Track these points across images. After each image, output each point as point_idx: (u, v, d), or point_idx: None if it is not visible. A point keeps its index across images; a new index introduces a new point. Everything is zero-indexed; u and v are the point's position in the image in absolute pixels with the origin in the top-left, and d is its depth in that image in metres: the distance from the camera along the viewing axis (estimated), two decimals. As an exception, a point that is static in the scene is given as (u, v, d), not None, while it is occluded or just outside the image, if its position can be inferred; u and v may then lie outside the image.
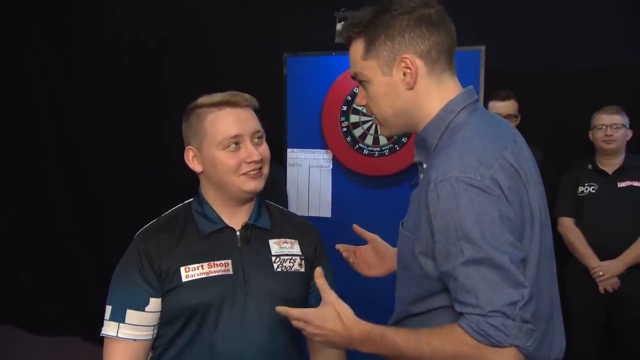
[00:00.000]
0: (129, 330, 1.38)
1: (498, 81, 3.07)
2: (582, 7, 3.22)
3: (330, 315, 1.21)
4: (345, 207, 3.14)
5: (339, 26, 2.96)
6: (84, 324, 4.12)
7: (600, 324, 2.98)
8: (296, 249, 1.50)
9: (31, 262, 4.59)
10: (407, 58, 1.20)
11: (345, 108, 3.09)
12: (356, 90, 2.93)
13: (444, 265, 1.10)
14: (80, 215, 4.44)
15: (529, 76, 3.31)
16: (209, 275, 1.40)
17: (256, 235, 1.47)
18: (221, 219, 1.46)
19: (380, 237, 1.64)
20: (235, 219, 1.47)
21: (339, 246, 1.65)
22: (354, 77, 1.31)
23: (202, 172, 1.47)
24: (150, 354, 1.45)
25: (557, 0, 3.26)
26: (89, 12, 4.25)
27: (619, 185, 2.95)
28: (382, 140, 3.04)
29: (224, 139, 1.40)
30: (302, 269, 1.49)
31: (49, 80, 4.41)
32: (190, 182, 1.60)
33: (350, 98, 3.07)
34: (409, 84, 1.22)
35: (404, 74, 1.22)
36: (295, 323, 1.26)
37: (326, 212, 3.19)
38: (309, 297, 1.52)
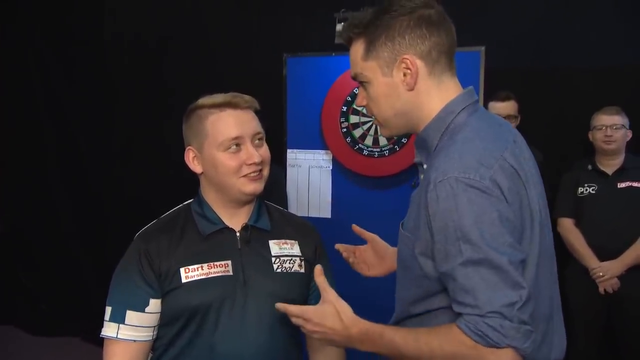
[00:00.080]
0: (128, 331, 1.38)
1: (498, 82, 3.07)
2: (582, 7, 3.22)
3: (330, 313, 1.21)
4: (345, 207, 3.14)
5: (338, 27, 2.96)
6: (83, 324, 4.12)
7: (600, 325, 2.98)
8: (296, 249, 1.50)
9: (31, 262, 4.59)
10: (408, 59, 1.21)
11: (345, 109, 3.09)
12: (356, 90, 2.93)
13: (443, 266, 1.10)
14: (80, 215, 4.44)
15: (528, 76, 3.31)
16: (209, 276, 1.40)
17: (256, 236, 1.47)
18: (221, 219, 1.46)
19: (380, 237, 1.64)
20: (235, 220, 1.47)
21: (338, 246, 1.65)
22: (354, 78, 1.31)
23: (202, 173, 1.47)
24: (150, 354, 1.45)
25: (557, 0, 3.26)
26: (89, 12, 4.25)
27: (618, 186, 2.95)
28: (382, 140, 3.04)
29: (224, 140, 1.40)
30: (302, 270, 1.49)
31: (49, 80, 4.41)
32: (190, 183, 1.60)
33: (350, 99, 3.07)
34: (409, 84, 1.22)
35: (404, 75, 1.22)
36: (294, 320, 1.26)
37: (326, 212, 3.19)
38: (308, 298, 1.52)
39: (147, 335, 1.40)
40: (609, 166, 3.00)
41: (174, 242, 1.43)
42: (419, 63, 1.21)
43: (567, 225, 3.02)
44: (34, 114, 4.45)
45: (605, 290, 2.88)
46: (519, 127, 2.95)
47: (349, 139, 3.09)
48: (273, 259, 1.46)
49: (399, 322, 1.29)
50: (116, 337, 1.38)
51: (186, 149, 1.47)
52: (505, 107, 3.06)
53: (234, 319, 1.39)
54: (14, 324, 4.44)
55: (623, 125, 2.96)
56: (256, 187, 1.43)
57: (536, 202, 1.18)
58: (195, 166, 1.47)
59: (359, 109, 3.03)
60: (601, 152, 3.02)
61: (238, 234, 1.46)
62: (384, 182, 3.08)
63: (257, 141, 1.45)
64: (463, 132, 1.18)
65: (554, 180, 3.04)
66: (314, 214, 3.20)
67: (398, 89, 1.23)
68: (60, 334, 4.28)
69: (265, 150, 1.46)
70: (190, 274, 1.39)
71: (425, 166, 1.27)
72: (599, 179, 3.00)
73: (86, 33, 4.25)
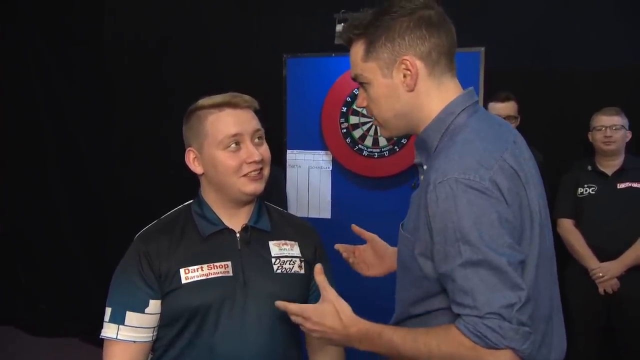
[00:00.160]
0: (128, 332, 1.38)
1: (498, 82, 3.07)
2: (582, 7, 3.23)
3: (329, 312, 1.22)
4: (345, 208, 3.14)
5: (338, 27, 2.96)
6: (83, 325, 4.12)
7: (600, 325, 2.98)
8: (296, 250, 1.50)
9: (31, 262, 4.59)
10: (407, 60, 1.21)
11: (344, 109, 3.09)
12: (356, 91, 2.93)
13: (442, 267, 1.10)
14: (80, 215, 4.44)
15: (528, 77, 3.31)
16: (209, 276, 1.40)
17: (256, 237, 1.47)
18: (221, 220, 1.46)
19: (380, 238, 1.64)
20: (235, 220, 1.47)
21: (338, 246, 1.65)
22: (354, 79, 1.31)
23: (202, 173, 1.47)
24: (150, 355, 1.45)
25: (557, 0, 3.27)
26: (89, 12, 4.26)
27: (618, 187, 2.95)
28: (382, 141, 3.05)
29: (224, 138, 1.40)
30: (302, 271, 1.49)
31: (49, 80, 4.41)
32: (190, 183, 1.60)
33: (349, 99, 3.07)
34: (409, 85, 1.22)
35: (404, 76, 1.22)
36: (294, 318, 1.27)
37: (326, 213, 3.20)
38: (308, 299, 1.51)
39: (146, 336, 1.40)
40: (609, 167, 3.00)
41: (173, 243, 1.43)
42: (419, 64, 1.21)
43: (567, 226, 3.02)
44: (34, 114, 4.45)
45: (605, 290, 2.88)
46: (518, 128, 2.95)
47: (348, 140, 3.09)
48: (273, 260, 1.46)
49: (398, 323, 1.29)
50: (116, 338, 1.37)
51: (186, 150, 1.47)
52: (505, 108, 3.06)
53: (233, 320, 1.39)
54: (13, 325, 4.43)
55: (623, 126, 2.96)
56: (257, 187, 1.43)
57: (536, 202, 1.18)
58: (195, 167, 1.47)
59: (359, 109, 3.03)
60: (601, 153, 3.02)
61: (238, 235, 1.46)
62: (384, 183, 3.08)
63: (257, 140, 1.45)
64: (463, 133, 1.19)
65: (553, 180, 3.04)
66: (313, 214, 3.20)
67: (398, 90, 1.23)
68: (59, 334, 4.27)
69: (265, 149, 1.46)
70: (190, 274, 1.39)
71: (425, 167, 1.27)
72: (598, 180, 3.00)
73: (86, 33, 4.26)
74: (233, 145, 1.41)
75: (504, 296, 1.03)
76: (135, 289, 1.39)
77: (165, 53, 4.06)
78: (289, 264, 1.48)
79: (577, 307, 2.90)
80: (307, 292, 1.51)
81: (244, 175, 1.41)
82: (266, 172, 1.46)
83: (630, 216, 2.88)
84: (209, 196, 1.48)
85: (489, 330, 1.03)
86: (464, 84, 1.28)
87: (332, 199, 3.19)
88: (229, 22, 3.90)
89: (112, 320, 1.38)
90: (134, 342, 1.38)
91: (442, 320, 1.17)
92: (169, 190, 2.97)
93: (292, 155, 3.25)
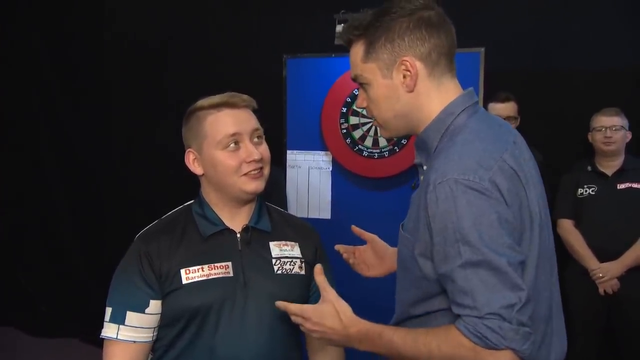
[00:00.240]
0: (128, 332, 1.38)
1: (498, 83, 3.07)
2: (582, 7, 3.23)
3: (329, 313, 1.22)
4: (345, 208, 3.14)
5: (338, 28, 2.96)
6: (83, 325, 4.12)
7: (600, 326, 2.98)
8: (296, 251, 1.51)
9: (30, 263, 4.59)
10: (407, 61, 1.21)
11: (344, 110, 3.09)
12: (356, 92, 2.93)
13: (442, 267, 1.10)
14: (80, 215, 4.44)
15: (528, 77, 3.31)
16: (209, 277, 1.40)
17: (256, 237, 1.47)
18: (222, 221, 1.46)
19: (380, 238, 1.64)
20: (236, 221, 1.47)
21: (338, 247, 1.66)
22: (354, 80, 1.31)
23: (202, 174, 1.47)
24: (150, 356, 1.45)
25: (557, 1, 3.27)
26: (88, 12, 4.26)
27: (618, 187, 2.95)
28: (382, 142, 3.05)
29: (223, 137, 1.40)
30: (302, 272, 1.49)
31: (48, 80, 4.41)
32: (191, 183, 1.60)
33: (349, 100, 3.07)
34: (409, 86, 1.22)
35: (404, 77, 1.22)
36: (294, 318, 1.27)
37: (326, 213, 3.19)
38: (309, 300, 1.51)
39: (147, 336, 1.40)
40: (609, 167, 3.00)
41: (174, 243, 1.43)
42: (419, 65, 1.21)
43: (567, 227, 3.02)
44: (34, 114, 4.45)
45: (605, 291, 2.88)
46: (518, 128, 2.94)
47: (348, 140, 3.09)
48: (273, 261, 1.46)
49: (398, 324, 1.29)
50: (116, 338, 1.38)
51: (186, 152, 1.48)
52: (505, 108, 3.06)
53: (234, 320, 1.39)
54: (13, 325, 4.43)
55: (622, 126, 2.96)
56: (257, 185, 1.43)
57: (536, 203, 1.18)
58: (195, 168, 1.47)
59: (359, 110, 3.03)
60: (601, 154, 3.02)
61: (238, 235, 1.46)
62: (384, 183, 3.08)
63: (256, 139, 1.45)
64: (463, 133, 1.19)
65: (553, 181, 3.04)
66: (313, 215, 3.20)
67: (398, 90, 1.23)
68: (59, 335, 4.27)
69: (265, 149, 1.46)
70: (190, 275, 1.39)
71: (425, 167, 1.27)
72: (598, 180, 3.00)
73: (86, 33, 4.25)
74: (232, 145, 1.41)
75: (503, 297, 1.03)
76: (136, 289, 1.39)
77: (165, 53, 4.06)
78: (290, 264, 1.48)
79: (577, 307, 2.90)
80: (307, 292, 1.51)
81: (244, 175, 1.41)
82: (266, 171, 1.46)
83: (630, 217, 2.88)
84: (210, 196, 1.48)
85: (489, 330, 1.03)
86: (464, 85, 1.28)
87: (332, 199, 3.19)
88: (229, 22, 3.90)
89: (113, 320, 1.38)
90: (134, 342, 1.38)
91: (442, 321, 1.17)
92: (169, 191, 2.97)
93: (292, 156, 3.25)
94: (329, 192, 3.19)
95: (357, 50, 1.27)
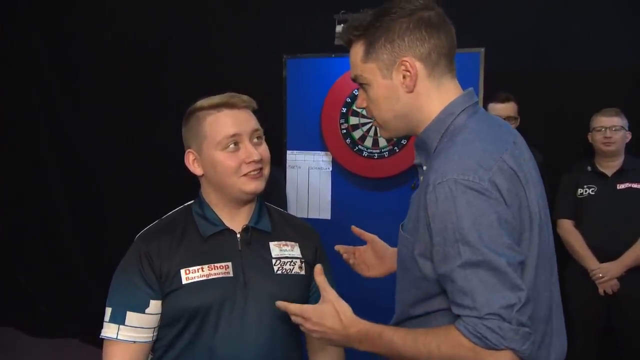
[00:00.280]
0: (128, 332, 1.38)
1: (498, 83, 3.07)
2: (582, 7, 3.23)
3: (329, 313, 1.22)
4: (345, 209, 3.14)
5: (338, 28, 2.96)
6: (83, 325, 4.12)
7: (600, 326, 2.98)
8: (296, 251, 1.51)
9: (30, 263, 4.58)
10: (407, 61, 1.21)
11: (344, 110, 3.09)
12: (355, 92, 2.93)
13: (441, 268, 1.10)
14: (80, 215, 4.44)
15: (528, 78, 3.31)
16: (209, 277, 1.40)
17: (256, 237, 1.47)
18: (222, 221, 1.46)
19: (380, 239, 1.64)
20: (236, 221, 1.47)
21: (338, 247, 1.66)
22: (354, 80, 1.31)
23: (202, 175, 1.47)
24: (150, 356, 1.45)
25: (557, 0, 3.27)
26: (88, 13, 4.26)
27: (618, 187, 2.95)
28: (382, 142, 3.05)
29: (222, 138, 1.40)
30: (302, 272, 1.49)
31: (48, 80, 4.41)
32: (191, 183, 1.60)
33: (349, 100, 3.07)
34: (408, 86, 1.22)
35: (404, 77, 1.22)
36: (294, 318, 1.27)
37: (326, 214, 3.20)
38: (309, 300, 1.51)
39: (147, 336, 1.40)
40: (609, 167, 3.00)
41: (174, 244, 1.43)
42: (419, 65, 1.21)
43: (567, 227, 3.02)
44: (33, 114, 4.45)
45: (604, 291, 2.88)
46: (518, 128, 2.94)
47: (348, 141, 3.09)
48: (273, 261, 1.46)
49: (398, 324, 1.29)
50: (116, 338, 1.38)
51: (186, 152, 1.48)
52: (505, 109, 3.06)
53: (234, 321, 1.39)
54: (13, 326, 4.43)
55: (622, 126, 2.96)
56: (257, 185, 1.43)
57: (535, 203, 1.18)
58: (195, 168, 1.47)
59: (359, 110, 3.03)
60: (600, 154, 3.02)
61: (238, 236, 1.46)
62: (384, 184, 3.08)
63: (255, 139, 1.45)
64: (462, 133, 1.19)
65: (553, 181, 3.04)
66: (313, 215, 3.20)
67: (397, 91, 1.23)
68: (59, 335, 4.27)
69: (264, 149, 1.46)
70: (190, 275, 1.39)
71: (424, 168, 1.28)
72: (598, 181, 3.00)
73: (86, 33, 4.25)
74: (232, 146, 1.41)
75: (503, 297, 1.03)
76: (136, 289, 1.39)
77: (165, 53, 4.05)
78: (290, 264, 1.48)
79: (576, 307, 2.90)
80: (307, 293, 1.51)
81: (244, 175, 1.41)
82: (266, 171, 1.46)
83: (630, 217, 2.88)
84: (210, 197, 1.48)
85: (489, 331, 1.03)
86: (464, 85, 1.28)
87: (332, 199, 3.19)
88: (229, 22, 3.90)
89: (113, 320, 1.39)
90: (134, 342, 1.38)
91: (442, 321, 1.17)
92: (169, 191, 2.97)
93: (292, 156, 3.25)
94: (329, 192, 3.20)
95: (357, 51, 1.27)
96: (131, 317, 1.38)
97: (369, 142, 3.07)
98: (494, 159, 1.12)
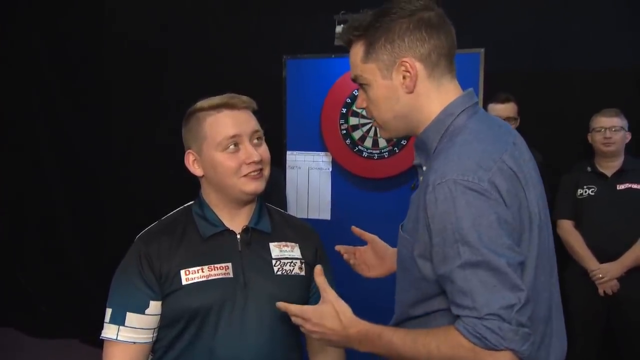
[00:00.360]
0: (128, 333, 1.38)
1: (498, 83, 3.08)
2: (582, 7, 3.23)
3: (329, 314, 1.22)
4: (345, 209, 3.14)
5: (338, 29, 2.96)
6: (83, 326, 4.12)
7: (600, 327, 2.98)
8: (296, 252, 1.51)
9: (30, 263, 4.58)
10: (407, 61, 1.21)
11: (344, 111, 3.09)
12: (355, 92, 2.93)
13: (441, 268, 1.10)
14: (80, 216, 4.44)
15: (528, 78, 3.31)
16: (209, 278, 1.40)
17: (257, 238, 1.47)
18: (222, 222, 1.46)
19: (380, 239, 1.64)
20: (236, 222, 1.47)
21: (338, 247, 1.66)
22: (354, 80, 1.31)
23: (202, 175, 1.47)
24: (150, 356, 1.45)
25: (557, 1, 3.27)
26: (88, 13, 4.26)
27: (618, 188, 2.95)
28: (382, 142, 3.05)
29: (222, 139, 1.40)
30: (303, 273, 1.49)
31: (48, 80, 4.41)
32: (191, 183, 1.60)
33: (349, 101, 3.07)
34: (408, 87, 1.22)
35: (404, 78, 1.22)
36: (294, 319, 1.27)
37: (326, 214, 3.20)
38: (309, 301, 1.51)
39: (147, 337, 1.40)
40: (608, 168, 3.00)
41: (174, 244, 1.43)
42: (419, 66, 1.21)
43: (567, 227, 3.02)
44: (33, 114, 4.46)
45: (604, 292, 2.88)
46: (518, 129, 2.95)
47: (348, 141, 3.09)
48: (273, 262, 1.46)
49: (398, 324, 1.29)
50: (116, 339, 1.38)
51: (186, 153, 1.48)
52: (504, 109, 3.06)
53: (234, 321, 1.39)
54: (13, 326, 4.43)
55: (622, 127, 2.96)
56: (257, 186, 1.43)
57: (535, 204, 1.18)
58: (195, 169, 1.47)
59: (359, 110, 3.03)
60: (600, 154, 3.02)
61: (238, 236, 1.46)
62: (384, 184, 3.08)
63: (255, 140, 1.45)
64: (462, 134, 1.19)
65: (553, 181, 3.04)
66: (313, 215, 3.20)
67: (397, 91, 1.23)
68: (59, 335, 4.27)
69: (264, 150, 1.46)
70: (190, 276, 1.39)
71: (424, 168, 1.27)
72: (598, 181, 3.00)
73: (86, 33, 4.26)
74: (232, 147, 1.41)
75: (503, 297, 1.03)
76: (136, 290, 1.39)
77: (165, 53, 4.06)
78: (290, 265, 1.48)
79: (576, 308, 2.90)
80: (307, 293, 1.51)
81: (244, 176, 1.41)
82: (266, 171, 1.46)
83: (629, 217, 2.88)
84: (210, 197, 1.48)
85: (489, 331, 1.03)
86: (464, 85, 1.28)
87: (331, 200, 3.19)
88: (229, 22, 3.91)
89: (112, 321, 1.39)
90: (134, 343, 1.38)
91: (442, 322, 1.17)
92: (169, 191, 2.97)
93: (291, 157, 3.25)
94: (329, 192, 3.19)
95: (357, 51, 1.27)
96: (131, 318, 1.38)
97: (368, 142, 3.07)
98: (493, 160, 1.12)
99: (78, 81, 4.33)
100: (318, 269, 1.30)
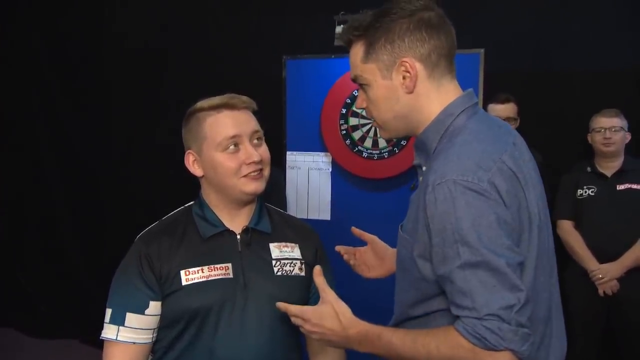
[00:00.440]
0: (128, 333, 1.38)
1: (497, 84, 3.08)
2: (582, 7, 3.23)
3: (328, 314, 1.22)
4: (345, 209, 3.14)
5: (338, 29, 2.96)
6: (83, 326, 4.12)
7: (600, 327, 2.98)
8: (296, 252, 1.51)
9: (30, 263, 4.58)
10: (407, 62, 1.21)
11: (344, 111, 3.09)
12: (355, 93, 2.93)
13: (440, 268, 1.10)
14: (80, 216, 4.44)
15: (528, 78, 3.31)
16: (209, 278, 1.40)
17: (257, 238, 1.47)
18: (222, 222, 1.46)
19: (380, 239, 1.64)
20: (236, 222, 1.47)
21: (338, 248, 1.66)
22: (354, 80, 1.31)
23: (202, 176, 1.47)
24: (150, 357, 1.45)
25: (557, 1, 3.27)
26: (88, 13, 4.26)
27: (618, 188, 2.95)
28: (382, 143, 3.05)
29: (222, 140, 1.40)
30: (303, 273, 1.49)
31: (48, 80, 4.41)
32: (191, 184, 1.60)
33: (349, 101, 3.07)
34: (408, 87, 1.22)
35: (404, 78, 1.22)
36: (293, 320, 1.28)
37: (325, 214, 3.20)
38: (309, 301, 1.51)
39: (146, 337, 1.40)
40: (608, 168, 3.00)
41: (174, 245, 1.43)
42: (419, 66, 1.21)
43: (567, 227, 3.02)
44: (33, 114, 4.46)
45: (604, 292, 2.88)
46: (518, 129, 2.94)
47: (348, 141, 3.09)
48: (273, 262, 1.46)
49: (398, 325, 1.29)
50: (116, 339, 1.38)
51: (186, 153, 1.48)
52: (504, 110, 3.06)
53: (234, 322, 1.39)
54: (13, 327, 4.43)
55: (622, 127, 2.96)
56: (257, 186, 1.43)
57: (535, 204, 1.18)
58: (195, 169, 1.47)
59: (359, 111, 3.03)
60: (600, 155, 3.02)
61: (238, 237, 1.46)
62: (383, 184, 3.08)
63: (255, 140, 1.45)
64: (462, 134, 1.19)
65: (553, 181, 3.04)
66: (313, 216, 3.20)
67: (397, 91, 1.23)
68: (59, 336, 4.27)
69: (264, 150, 1.46)
70: (190, 276, 1.39)
71: (424, 168, 1.27)
72: (598, 181, 3.00)
73: (86, 33, 4.26)
74: (232, 147, 1.41)
75: (502, 297, 1.03)
76: (136, 290, 1.39)
77: (165, 53, 4.06)
78: (290, 266, 1.48)
79: (576, 308, 2.90)
80: (307, 294, 1.51)
81: (244, 176, 1.41)
82: (266, 172, 1.46)
83: (629, 218, 2.88)
84: (210, 198, 1.48)
85: (488, 331, 1.03)
86: (464, 86, 1.28)
87: (331, 200, 3.19)
88: (229, 22, 3.91)
89: (112, 321, 1.39)
90: (134, 343, 1.38)
91: (441, 322, 1.17)
92: (169, 191, 2.97)
93: (291, 157, 3.25)
94: (329, 193, 3.20)
95: (357, 51, 1.27)
96: (131, 318, 1.38)
97: (368, 143, 3.07)
98: (493, 160, 1.12)
99: (78, 81, 4.33)
100: (317, 269, 1.30)
